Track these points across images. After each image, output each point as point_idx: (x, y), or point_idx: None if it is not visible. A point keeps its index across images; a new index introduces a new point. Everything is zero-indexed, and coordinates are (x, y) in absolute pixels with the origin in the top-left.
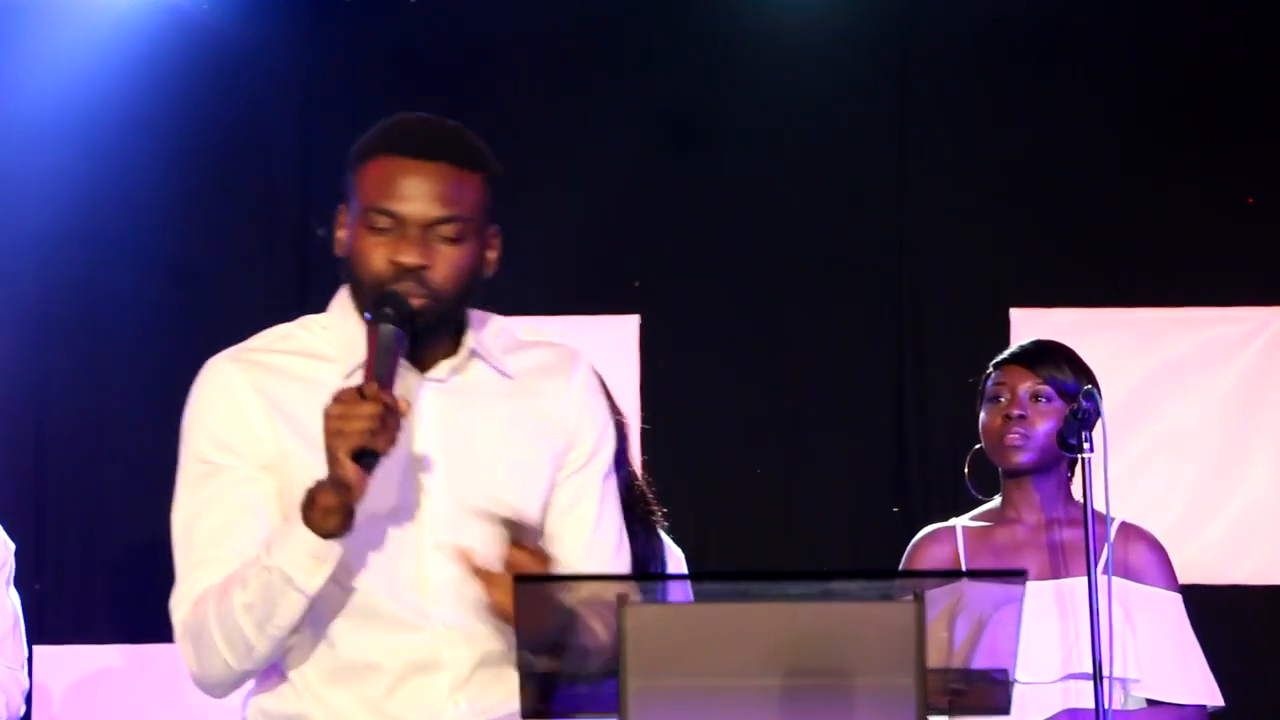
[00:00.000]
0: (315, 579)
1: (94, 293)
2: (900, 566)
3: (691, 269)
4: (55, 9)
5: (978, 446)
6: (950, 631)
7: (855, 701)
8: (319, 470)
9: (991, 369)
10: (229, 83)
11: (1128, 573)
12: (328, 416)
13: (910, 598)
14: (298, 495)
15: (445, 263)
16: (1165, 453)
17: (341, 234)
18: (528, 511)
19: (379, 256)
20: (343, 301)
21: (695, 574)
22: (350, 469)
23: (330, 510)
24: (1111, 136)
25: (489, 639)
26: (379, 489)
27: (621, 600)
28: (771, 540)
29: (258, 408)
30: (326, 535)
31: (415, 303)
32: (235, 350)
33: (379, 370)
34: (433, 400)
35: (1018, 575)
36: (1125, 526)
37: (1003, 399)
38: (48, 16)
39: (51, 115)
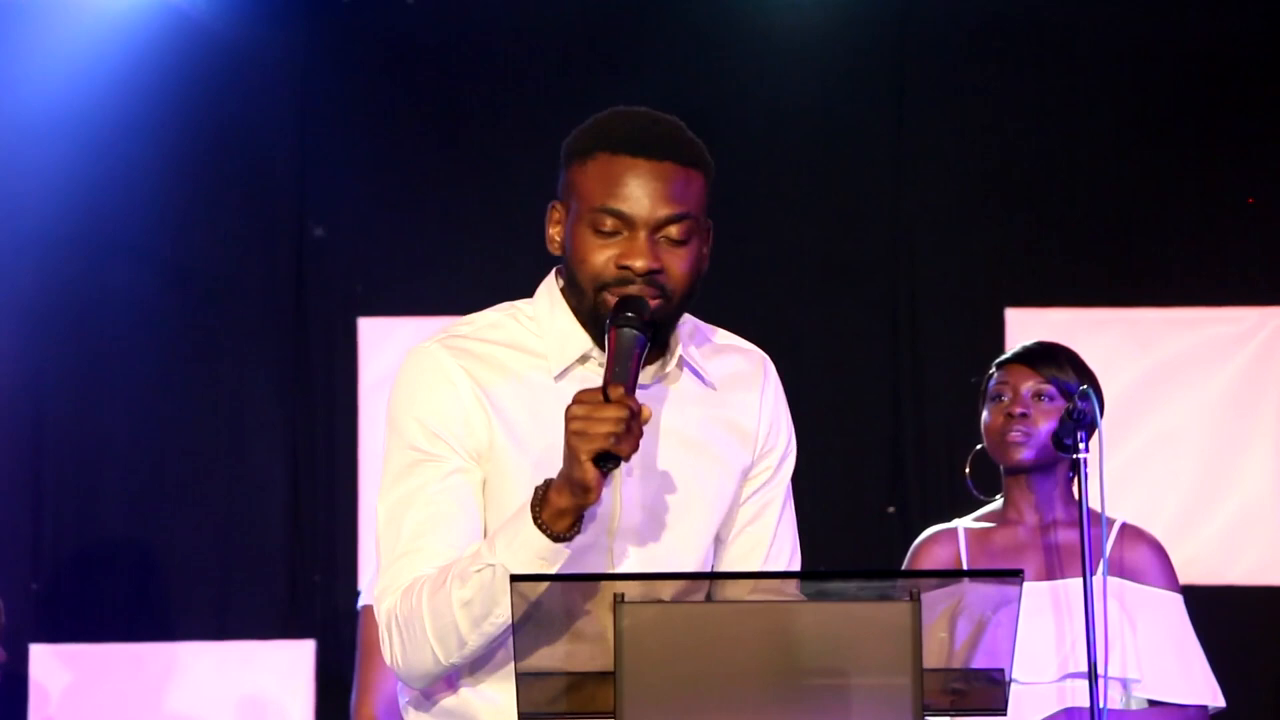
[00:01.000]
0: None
1: (92, 292)
2: (903, 568)
3: None
4: (53, 9)
5: (979, 446)
6: (951, 632)
7: (852, 701)
8: (523, 467)
9: (994, 369)
10: (227, 82)
11: (1128, 573)
12: (571, 417)
13: (907, 598)
14: (501, 489)
15: (676, 264)
16: (1161, 453)
17: (554, 231)
18: (710, 524)
19: (604, 258)
20: (552, 296)
21: (692, 574)
22: (591, 472)
23: (564, 512)
24: (1108, 136)
25: None
26: None
27: (618, 599)
28: None
29: (471, 396)
30: (556, 538)
31: (652, 304)
32: (445, 336)
33: (621, 374)
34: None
35: (1014, 575)
36: (1126, 527)
37: (1005, 398)
38: (45, 17)
39: (49, 115)
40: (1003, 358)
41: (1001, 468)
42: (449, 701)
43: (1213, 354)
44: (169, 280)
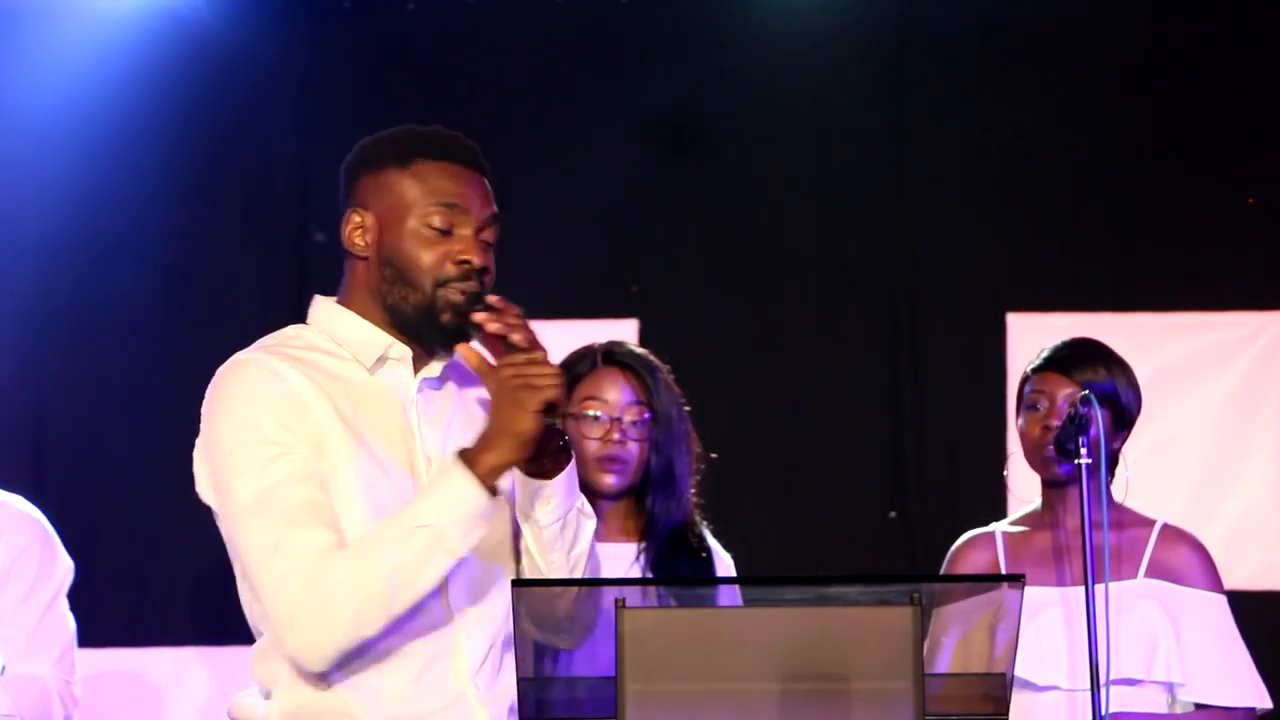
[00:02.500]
0: (471, 539)
1: (92, 297)
2: (941, 572)
3: (690, 273)
4: (55, 13)
5: (1013, 450)
6: (953, 636)
7: (853, 705)
8: (351, 458)
9: (1030, 374)
10: (228, 86)
11: (1170, 575)
12: (515, 372)
13: (908, 603)
14: (338, 472)
15: (492, 267)
16: (1162, 458)
17: (358, 235)
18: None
19: (438, 254)
20: (330, 311)
21: (693, 579)
22: (538, 422)
23: (499, 469)
24: (1110, 139)
25: (503, 624)
26: (399, 485)
27: (620, 604)
28: (769, 545)
29: (308, 388)
30: (493, 493)
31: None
32: (254, 349)
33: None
34: (425, 397)
35: (1016, 580)
36: (1167, 528)
37: (1041, 407)
38: (47, 20)
39: (51, 118)
40: (1036, 363)
41: (1041, 477)
42: (317, 704)
43: (1214, 359)
44: (170, 285)
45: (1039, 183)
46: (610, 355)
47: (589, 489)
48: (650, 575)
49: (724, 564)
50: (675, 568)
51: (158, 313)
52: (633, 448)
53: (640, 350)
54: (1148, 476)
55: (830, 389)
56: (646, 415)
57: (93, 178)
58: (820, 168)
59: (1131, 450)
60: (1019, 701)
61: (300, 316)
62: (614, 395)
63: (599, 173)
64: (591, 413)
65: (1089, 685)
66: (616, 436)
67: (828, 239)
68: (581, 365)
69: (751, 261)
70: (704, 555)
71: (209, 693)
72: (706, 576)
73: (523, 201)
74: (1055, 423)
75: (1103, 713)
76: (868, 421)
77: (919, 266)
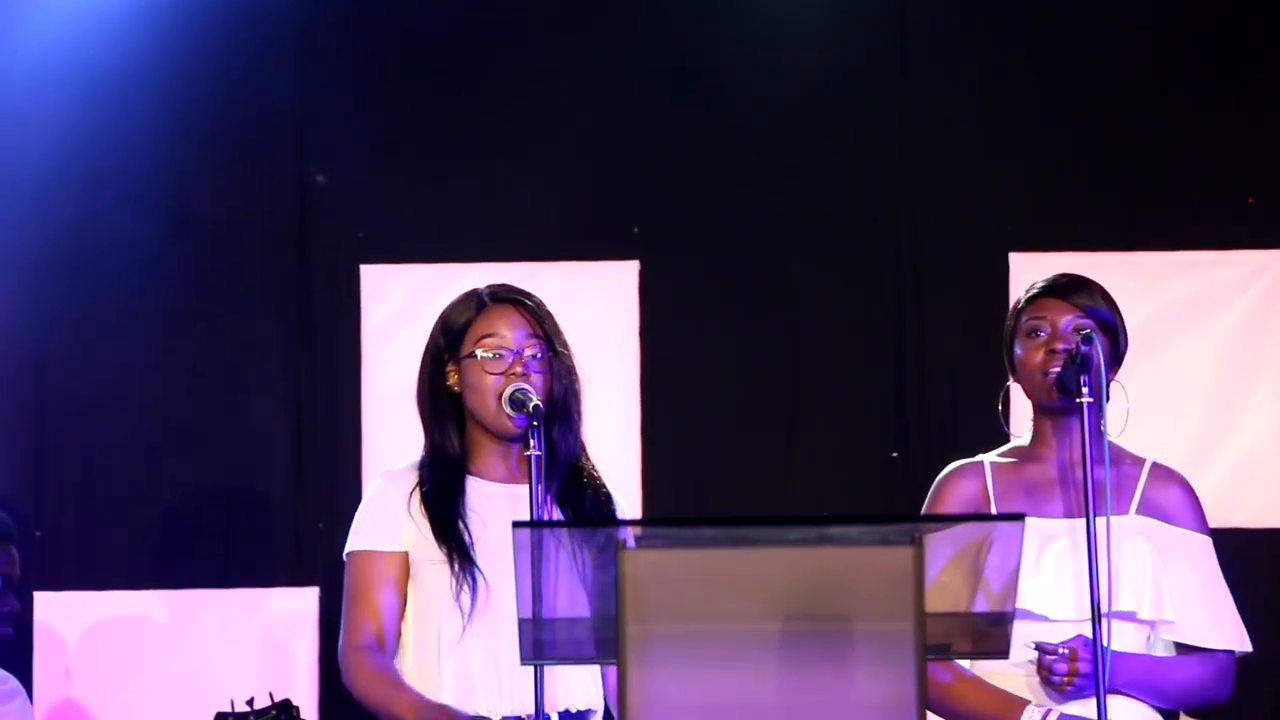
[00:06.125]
0: None
1: (93, 241)
2: (925, 502)
3: (691, 215)
4: None
5: (1008, 384)
6: (953, 575)
7: (854, 645)
8: None
9: (1024, 303)
10: (227, 27)
11: (1159, 513)
12: None
13: (909, 542)
14: None
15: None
16: (1165, 396)
17: None
18: None
19: None
20: None
21: (695, 519)
22: None
23: None
24: (1113, 79)
25: None
26: None
27: (620, 545)
28: (771, 486)
29: None
30: None
31: None
32: None
33: None
34: None
35: (1016, 519)
36: (1156, 467)
37: (1043, 333)
38: None
39: (51, 65)
40: (1033, 293)
41: (1034, 403)
42: None
43: (1218, 297)
44: (170, 228)
45: (1041, 122)
46: (497, 295)
47: (494, 431)
48: (556, 511)
49: (619, 503)
50: (580, 504)
51: (158, 256)
52: (536, 380)
53: (521, 287)
54: (1150, 415)
55: (832, 329)
56: (543, 349)
57: (92, 123)
58: (822, 108)
59: (1134, 389)
60: (1032, 633)
61: (301, 262)
62: (511, 332)
63: (600, 114)
64: (491, 352)
65: (1072, 616)
66: (520, 370)
67: (829, 179)
68: (468, 308)
69: (753, 202)
70: (604, 492)
71: (212, 636)
72: (609, 514)
73: (524, 142)
74: (1060, 346)
75: (1104, 643)
76: (870, 361)
77: (921, 206)
